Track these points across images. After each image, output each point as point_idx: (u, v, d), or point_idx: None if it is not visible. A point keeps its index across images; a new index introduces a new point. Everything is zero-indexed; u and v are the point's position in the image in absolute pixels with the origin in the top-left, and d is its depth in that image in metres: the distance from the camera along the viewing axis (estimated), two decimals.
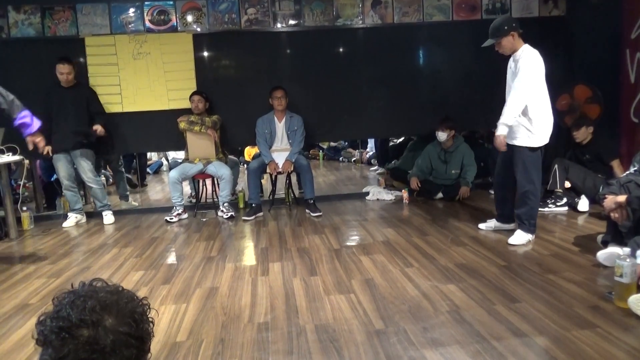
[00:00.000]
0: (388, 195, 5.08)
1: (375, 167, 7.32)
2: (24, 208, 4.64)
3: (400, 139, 6.76)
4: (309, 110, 4.96)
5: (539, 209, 3.59)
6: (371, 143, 8.13)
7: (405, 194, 4.88)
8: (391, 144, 7.06)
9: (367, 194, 5.20)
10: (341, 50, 5.11)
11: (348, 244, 3.60)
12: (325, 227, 4.08)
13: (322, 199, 4.97)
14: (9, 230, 4.22)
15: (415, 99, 5.13)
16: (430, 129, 4.92)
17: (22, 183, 4.77)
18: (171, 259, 3.47)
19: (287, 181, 4.97)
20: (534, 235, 3.34)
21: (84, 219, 4.76)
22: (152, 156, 8.98)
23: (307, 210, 4.61)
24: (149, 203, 5.85)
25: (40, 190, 5.34)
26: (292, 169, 4.67)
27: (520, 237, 3.30)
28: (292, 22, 4.93)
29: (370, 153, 8.02)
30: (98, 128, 4.53)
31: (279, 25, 4.93)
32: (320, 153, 9.10)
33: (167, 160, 8.91)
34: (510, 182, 3.42)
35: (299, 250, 3.46)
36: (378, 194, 5.12)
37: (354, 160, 8.45)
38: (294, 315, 2.37)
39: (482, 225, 3.72)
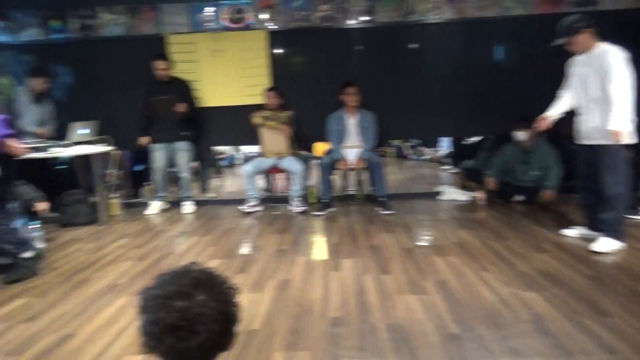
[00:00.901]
0: (462, 196, 4.93)
1: (449, 166, 7.12)
2: (114, 195, 4.98)
3: (476, 138, 6.52)
4: (381, 108, 4.91)
5: (631, 217, 3.32)
6: (444, 141, 7.93)
7: (480, 195, 4.72)
8: (465, 142, 6.83)
9: (440, 193, 5.07)
10: (414, 46, 5.01)
11: (420, 243, 3.54)
12: (397, 226, 4.03)
13: (393, 197, 4.90)
14: (100, 215, 4.56)
15: (492, 97, 4.93)
16: (507, 129, 4.70)
17: (112, 172, 5.13)
18: (246, 249, 3.59)
19: (358, 178, 4.96)
20: (622, 243, 3.10)
21: (166, 207, 5.03)
22: (226, 150, 9.32)
23: (378, 208, 4.59)
24: (224, 195, 6.08)
25: (128, 178, 5.71)
26: (363, 166, 4.66)
27: (605, 244, 3.08)
28: (363, 18, 4.91)
29: (443, 151, 7.82)
30: (182, 106, 4.72)
31: (350, 21, 4.92)
32: (391, 150, 9.00)
33: (240, 154, 9.20)
34: (597, 185, 3.19)
35: (370, 247, 3.45)
36: (451, 193, 4.98)
37: (426, 159, 8.28)
38: (366, 313, 2.36)
39: (565, 231, 3.51)
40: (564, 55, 3.30)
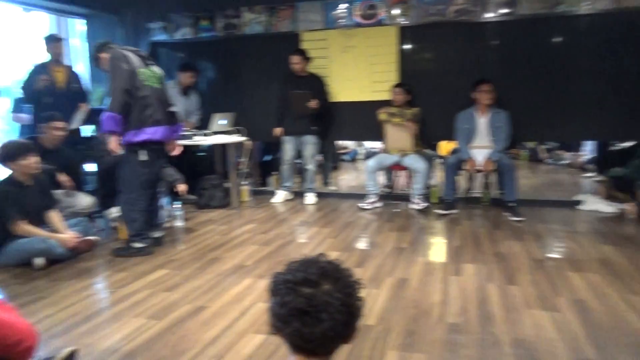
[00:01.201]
0: (607, 207, 4.40)
1: (592, 174, 6.41)
2: (244, 182, 5.33)
3: (628, 144, 5.78)
4: (516, 106, 4.57)
5: None
6: (588, 145, 7.15)
7: (630, 207, 4.17)
8: (614, 147, 6.09)
9: (580, 202, 4.59)
10: (558, 40, 4.55)
11: (554, 255, 3.24)
12: (527, 234, 3.74)
13: (524, 203, 4.56)
14: (232, 200, 4.93)
15: None
16: None
17: (244, 161, 5.51)
18: (364, 244, 3.60)
19: (486, 180, 4.70)
20: None
21: (290, 197, 5.27)
22: (349, 145, 9.46)
23: (506, 213, 4.30)
24: (345, 189, 6.17)
25: (257, 168, 6.08)
26: (492, 168, 4.39)
27: None
28: (503, 10, 4.59)
29: (586, 157, 7.06)
30: (314, 102, 4.87)
31: (488, 14, 4.64)
32: (524, 153, 8.37)
33: (362, 149, 9.28)
34: None
35: (495, 254, 3.25)
36: (595, 204, 4.47)
37: (565, 164, 7.55)
38: (488, 323, 2.23)
39: None
40: None
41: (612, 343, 2.02)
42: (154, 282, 2.81)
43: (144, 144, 3.27)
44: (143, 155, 3.28)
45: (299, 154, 5.22)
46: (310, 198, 5.12)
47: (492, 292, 2.60)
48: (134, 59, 3.25)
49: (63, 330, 2.21)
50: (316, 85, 5.01)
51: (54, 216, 3.35)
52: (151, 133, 3.26)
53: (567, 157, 7.60)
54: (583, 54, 4.46)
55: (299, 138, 5.09)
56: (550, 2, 4.44)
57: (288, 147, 5.13)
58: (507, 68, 4.66)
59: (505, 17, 4.60)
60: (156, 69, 3.47)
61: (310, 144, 5.07)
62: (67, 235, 3.22)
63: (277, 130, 5.11)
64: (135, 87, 3.19)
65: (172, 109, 3.56)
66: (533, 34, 4.57)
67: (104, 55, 3.31)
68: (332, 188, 5.83)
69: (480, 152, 4.47)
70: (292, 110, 4.98)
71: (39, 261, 3.05)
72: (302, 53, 4.96)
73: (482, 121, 4.50)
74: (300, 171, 5.45)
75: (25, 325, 1.39)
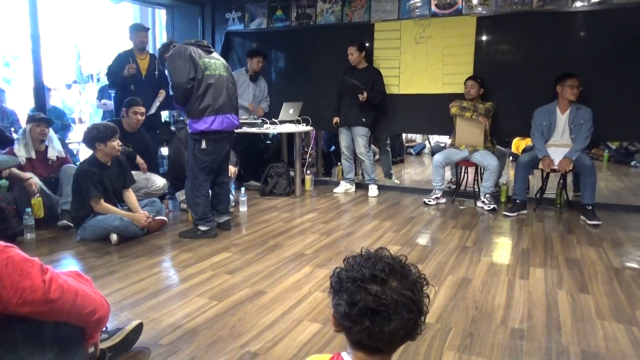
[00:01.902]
0: None
1: None
2: (308, 172, 5.39)
3: None
4: (601, 103, 4.25)
5: None
6: None
7: None
8: None
9: None
10: None
11: (634, 265, 3.00)
12: (604, 240, 3.49)
13: (603, 207, 4.26)
14: (295, 189, 4.99)
15: None
16: None
17: (309, 150, 5.56)
18: (426, 240, 3.52)
19: (561, 181, 4.43)
20: None
21: (352, 189, 5.27)
22: (417, 138, 9.27)
23: (582, 217, 4.03)
24: (409, 183, 6.06)
25: (321, 158, 6.12)
26: (570, 167, 4.12)
27: None
28: None
29: None
30: (362, 97, 4.82)
31: (578, 3, 4.32)
32: (605, 153, 7.81)
33: (430, 143, 9.06)
34: None
35: (567, 260, 3.06)
36: None
37: None
38: (555, 331, 2.10)
39: None
40: None
41: None
42: (217, 265, 2.92)
43: (204, 133, 3.38)
44: (203, 144, 3.41)
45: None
46: (372, 190, 5.08)
47: (561, 299, 2.45)
48: (196, 51, 3.35)
49: (132, 303, 2.35)
50: (372, 77, 4.95)
51: (130, 195, 3.57)
52: (209, 122, 3.35)
53: None
54: None
55: (351, 129, 5.06)
56: None
57: (342, 138, 5.17)
58: (593, 61, 4.33)
59: (596, 6, 4.27)
60: (219, 57, 3.55)
61: (359, 135, 5.02)
62: (141, 214, 3.42)
63: (335, 120, 5.13)
64: (197, 78, 3.30)
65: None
66: (626, 25, 4.20)
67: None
68: (395, 181, 5.74)
69: (558, 150, 4.21)
70: (346, 100, 4.97)
71: (115, 237, 3.26)
72: (357, 44, 4.91)
73: (563, 118, 4.22)
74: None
75: (99, 297, 1.48)
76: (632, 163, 7.35)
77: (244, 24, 5.88)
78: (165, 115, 5.74)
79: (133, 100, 4.06)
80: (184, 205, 4.17)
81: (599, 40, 4.33)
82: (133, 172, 3.76)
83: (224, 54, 5.97)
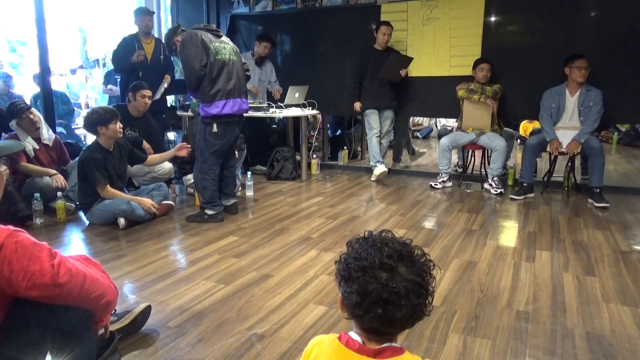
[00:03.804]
0: None
1: None
2: (314, 156, 5.38)
3: None
4: (610, 85, 4.19)
5: None
6: None
7: None
8: None
9: None
10: None
11: None
12: (612, 223, 3.47)
13: (611, 190, 4.23)
14: (301, 173, 5.00)
15: None
16: None
17: (315, 135, 5.55)
18: (432, 224, 3.52)
19: (569, 164, 4.39)
20: None
21: (386, 171, 4.98)
22: (424, 122, 9.21)
23: (589, 200, 4.01)
24: (416, 167, 6.04)
25: (327, 142, 6.10)
26: (579, 150, 4.09)
27: None
28: None
29: None
30: (404, 71, 4.82)
31: None
32: (615, 136, 7.73)
33: (437, 126, 9.00)
34: None
35: (574, 243, 3.05)
36: None
37: None
38: (560, 314, 2.11)
39: None
40: None
41: None
42: (223, 248, 2.94)
43: (215, 117, 3.40)
44: (214, 127, 3.42)
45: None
46: (377, 169, 4.94)
47: (567, 282, 2.45)
48: (206, 35, 3.34)
49: (139, 287, 2.38)
50: (402, 59, 4.89)
51: (152, 159, 3.76)
52: (220, 107, 3.37)
53: None
54: None
55: (381, 111, 5.01)
56: None
57: (373, 119, 4.99)
58: (604, 43, 4.26)
59: None
60: (229, 41, 3.54)
61: (389, 118, 5.01)
62: (147, 199, 3.44)
63: (357, 105, 5.03)
64: (209, 62, 3.29)
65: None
66: (637, 5, 4.12)
67: (178, 39, 3.40)
68: (404, 164, 5.71)
69: (567, 132, 4.17)
70: (374, 83, 4.89)
71: (122, 221, 3.28)
72: (389, 24, 4.84)
73: (572, 100, 4.17)
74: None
75: (107, 281, 1.50)
76: None
77: (249, 7, 5.83)
78: (171, 99, 5.74)
79: (139, 84, 4.06)
80: (191, 190, 4.19)
81: (609, 21, 4.25)
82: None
83: (229, 37, 5.93)
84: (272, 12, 5.70)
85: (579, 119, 4.15)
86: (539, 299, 2.26)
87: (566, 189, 4.46)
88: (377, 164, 4.95)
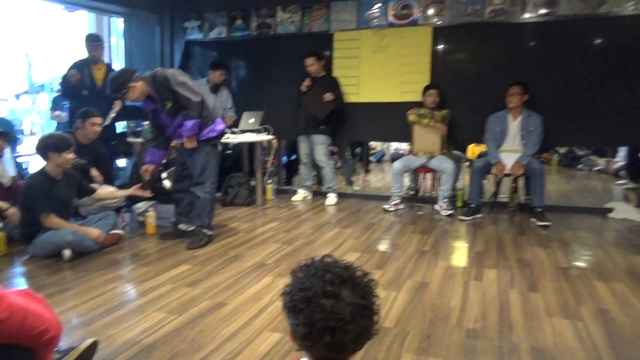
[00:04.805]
0: (639, 216, 4.26)
1: (624, 181, 6.21)
2: (269, 181, 5.39)
3: None
4: (550, 110, 4.46)
5: None
6: (622, 152, 6.92)
7: None
8: None
9: (611, 210, 4.45)
10: (599, 42, 4.41)
11: (579, 264, 3.16)
12: (553, 241, 3.65)
13: (552, 209, 4.46)
14: (256, 198, 4.98)
15: None
16: None
17: (270, 160, 5.56)
18: (385, 246, 3.59)
19: (513, 185, 4.61)
20: None
21: (310, 196, 5.31)
22: (377, 146, 9.42)
23: (532, 219, 4.21)
24: (369, 190, 6.16)
25: (283, 167, 6.13)
26: (521, 172, 4.30)
27: None
28: (543, 11, 4.47)
29: (620, 163, 6.83)
30: (329, 95, 4.91)
31: (527, 15, 4.53)
32: (555, 158, 8.17)
33: (390, 150, 9.22)
34: None
35: (518, 260, 3.19)
36: (626, 212, 4.34)
37: (597, 170, 7.33)
38: (507, 330, 2.19)
39: None
40: None
41: (635, 354, 1.96)
42: (176, 277, 2.88)
43: (221, 133, 3.67)
44: (220, 146, 3.74)
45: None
46: (331, 198, 5.13)
47: (513, 298, 2.56)
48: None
49: (86, 321, 2.29)
50: (330, 85, 5.03)
51: (101, 193, 3.69)
52: (221, 122, 3.67)
53: (600, 163, 7.38)
54: (623, 56, 4.30)
55: (310, 137, 5.12)
56: (592, 2, 4.29)
57: (301, 146, 5.22)
58: (543, 71, 4.54)
59: (544, 17, 4.48)
60: None
61: (319, 143, 5.08)
62: (95, 229, 3.33)
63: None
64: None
65: None
66: (572, 36, 4.43)
67: (133, 84, 3.39)
68: (355, 188, 5.82)
69: (510, 155, 4.38)
70: (305, 111, 5.04)
71: (67, 253, 3.16)
72: (316, 54, 4.99)
73: (515, 124, 4.41)
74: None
75: (51, 316, 1.45)
76: (579, 166, 7.72)
77: (203, 33, 5.85)
78: (121, 126, 5.62)
79: (89, 111, 3.97)
80: (141, 218, 4.10)
81: (547, 50, 4.55)
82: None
83: (183, 63, 5.92)
84: (227, 38, 5.74)
85: (521, 142, 4.38)
86: (487, 316, 2.34)
87: (511, 209, 4.67)
88: (301, 189, 5.31)
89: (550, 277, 2.87)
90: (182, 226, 3.75)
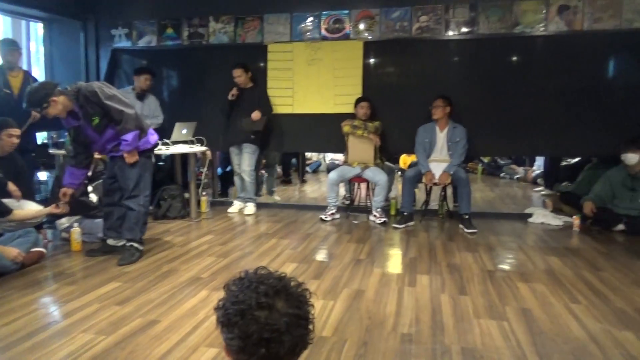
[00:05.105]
0: (555, 220, 4.60)
1: (541, 188, 6.69)
2: (204, 193, 5.27)
3: (575, 160, 6.09)
4: (473, 122, 4.74)
5: None
6: (539, 161, 7.46)
7: (576, 220, 4.37)
8: (563, 163, 6.39)
9: (530, 215, 4.78)
10: (515, 59, 4.77)
11: (504, 267, 3.36)
12: (479, 246, 3.86)
13: (478, 216, 4.71)
14: (190, 211, 4.86)
15: (599, 117, 4.54)
16: (613, 152, 4.32)
17: (204, 171, 5.45)
18: (322, 256, 3.62)
19: (442, 193, 4.83)
20: None
21: (244, 207, 5.19)
22: (312, 156, 9.51)
23: (460, 226, 4.42)
24: (306, 200, 6.20)
25: (217, 178, 6.02)
26: (449, 181, 4.52)
27: None
28: (465, 29, 4.77)
29: (537, 172, 7.36)
30: (256, 114, 4.91)
31: (450, 32, 4.81)
32: (480, 167, 8.65)
33: (325, 161, 9.34)
34: None
35: (449, 265, 3.34)
36: (543, 217, 4.67)
37: (517, 178, 7.85)
38: (439, 333, 2.28)
39: None
40: None
41: (555, 350, 2.10)
42: (104, 296, 2.74)
43: (155, 145, 3.59)
44: (153, 157, 3.62)
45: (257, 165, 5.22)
46: (249, 208, 5.12)
47: (444, 302, 2.67)
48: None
49: (6, 346, 2.12)
50: (258, 97, 5.05)
51: (17, 213, 3.41)
52: (154, 133, 3.58)
53: (519, 171, 7.90)
54: (536, 72, 4.67)
55: (240, 147, 5.10)
56: (508, 23, 4.64)
57: (234, 157, 5.19)
58: (466, 85, 4.83)
59: (466, 35, 4.77)
60: None
61: (246, 152, 5.06)
62: (12, 249, 3.10)
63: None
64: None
65: None
66: (492, 53, 4.76)
67: (55, 99, 3.16)
68: (276, 198, 5.83)
69: (438, 165, 4.59)
70: (234, 119, 5.04)
71: None
72: (243, 66, 4.99)
73: (442, 135, 4.63)
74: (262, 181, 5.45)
75: None
76: (501, 175, 8.23)
77: (131, 41, 5.65)
78: (42, 136, 5.29)
79: (4, 122, 3.69)
80: (65, 234, 3.86)
81: (469, 65, 4.85)
82: (4, 200, 3.40)
83: (110, 72, 5.69)
84: (157, 47, 5.58)
85: (448, 153, 4.61)
86: (421, 320, 2.43)
87: (441, 216, 4.88)
88: (236, 200, 5.25)
89: (477, 280, 3.03)
90: (111, 241, 3.58)
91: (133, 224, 3.45)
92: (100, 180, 4.01)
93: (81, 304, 2.61)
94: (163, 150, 4.70)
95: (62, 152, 4.56)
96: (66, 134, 4.66)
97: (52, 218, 4.01)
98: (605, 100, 4.54)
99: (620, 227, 4.23)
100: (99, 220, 3.75)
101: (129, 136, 3.29)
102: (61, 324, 2.37)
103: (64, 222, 3.89)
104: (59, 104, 3.19)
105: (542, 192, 6.45)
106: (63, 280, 3.01)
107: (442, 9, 4.78)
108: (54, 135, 5.47)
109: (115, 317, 2.44)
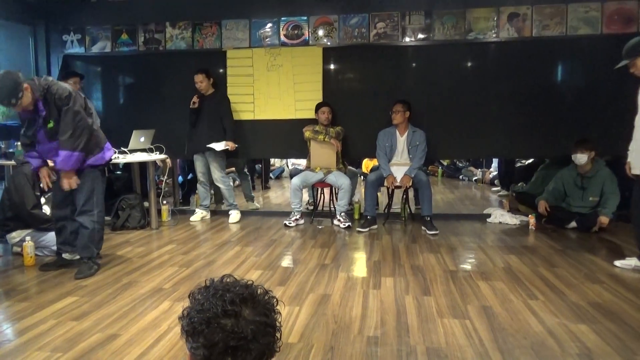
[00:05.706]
0: (512, 220, 4.76)
1: (498, 188, 6.91)
2: (164, 202, 5.16)
3: (529, 161, 6.32)
4: (432, 126, 4.85)
5: None
6: (495, 163, 7.71)
7: (532, 219, 4.53)
8: (518, 165, 6.63)
9: (489, 216, 4.92)
10: (470, 64, 4.92)
11: (465, 266, 3.44)
12: (441, 247, 3.94)
13: (439, 217, 4.81)
14: (151, 221, 4.74)
15: (550, 119, 4.75)
16: (564, 152, 4.52)
17: (164, 179, 5.33)
18: (287, 262, 3.61)
19: (404, 196, 4.91)
20: None
21: (208, 215, 5.19)
22: (275, 162, 9.47)
23: (423, 227, 4.50)
24: (270, 207, 6.16)
25: (178, 186, 5.91)
26: (410, 184, 4.60)
27: None
28: (421, 35, 4.89)
29: (494, 173, 7.60)
30: (229, 144, 4.89)
31: (407, 39, 4.91)
32: (440, 170, 8.85)
33: (288, 166, 9.32)
34: None
35: (412, 267, 3.39)
36: (501, 217, 4.82)
37: (475, 180, 8.08)
38: (404, 334, 2.31)
39: (618, 263, 3.31)
40: (632, 78, 3.15)
41: (515, 345, 2.17)
42: (60, 312, 2.62)
43: (109, 160, 3.42)
44: (106, 171, 3.43)
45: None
46: (233, 216, 5.05)
47: (408, 303, 2.70)
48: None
49: None
50: (219, 102, 5.00)
51: None
52: (110, 148, 3.41)
53: (477, 173, 8.13)
54: (492, 77, 4.85)
55: (205, 155, 5.03)
56: (462, 29, 4.79)
57: (198, 165, 5.10)
58: (424, 89, 4.93)
59: (422, 42, 4.89)
60: None
61: (214, 160, 4.99)
62: None
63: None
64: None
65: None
66: (448, 58, 4.90)
67: (27, 86, 2.94)
68: (257, 205, 5.79)
69: (400, 168, 4.66)
70: (198, 126, 4.97)
71: None
72: (205, 72, 4.94)
73: (402, 139, 4.71)
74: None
75: None
76: (460, 177, 8.45)
77: (84, 47, 5.48)
78: None
79: None
80: (18, 248, 3.68)
81: (426, 70, 4.97)
82: None
83: (61, 79, 5.48)
84: (112, 53, 5.44)
85: (409, 156, 4.69)
86: (386, 322, 2.45)
87: (403, 219, 4.96)
88: (199, 208, 5.20)
89: (440, 280, 3.09)
90: (66, 255, 3.44)
91: (88, 242, 3.31)
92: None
93: (35, 320, 2.50)
94: (120, 158, 4.57)
95: (12, 162, 4.36)
96: (15, 144, 4.47)
97: (3, 232, 3.82)
98: (555, 103, 4.75)
99: (573, 224, 4.41)
100: (52, 233, 3.60)
101: (61, 154, 3.05)
102: (14, 342, 2.25)
103: (15, 236, 3.71)
104: (29, 92, 2.96)
105: (499, 193, 6.66)
106: (15, 297, 2.86)
107: (398, 16, 4.88)
108: (2, 146, 5.23)
109: (72, 333, 2.34)
